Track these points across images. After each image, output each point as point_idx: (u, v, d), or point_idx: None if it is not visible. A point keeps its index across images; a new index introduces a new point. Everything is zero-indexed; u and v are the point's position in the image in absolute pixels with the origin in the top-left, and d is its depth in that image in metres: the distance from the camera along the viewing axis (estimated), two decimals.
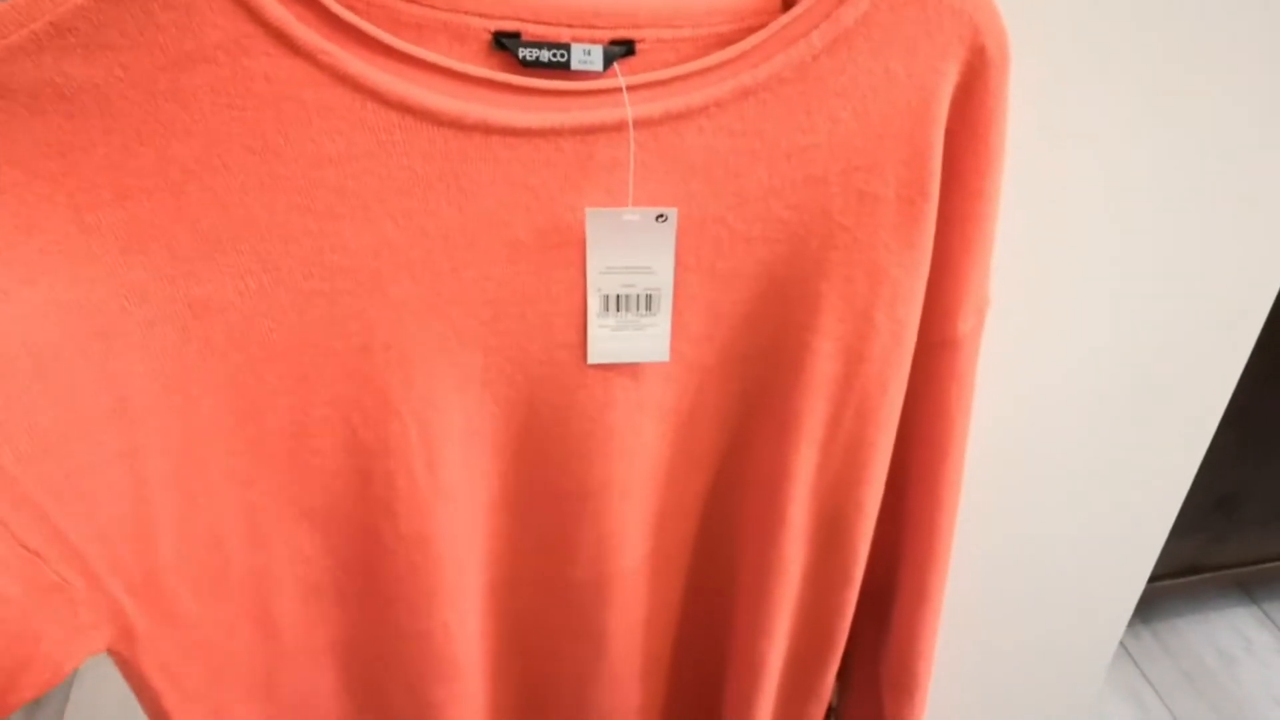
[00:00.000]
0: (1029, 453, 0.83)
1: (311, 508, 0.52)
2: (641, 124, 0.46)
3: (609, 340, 0.50)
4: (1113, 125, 0.68)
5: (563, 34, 0.44)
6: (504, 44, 0.43)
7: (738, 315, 0.55)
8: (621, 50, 0.45)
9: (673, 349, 0.55)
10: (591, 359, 0.51)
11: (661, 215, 0.47)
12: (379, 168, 0.43)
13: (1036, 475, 0.85)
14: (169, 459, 0.46)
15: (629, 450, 0.57)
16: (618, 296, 0.49)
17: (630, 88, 0.45)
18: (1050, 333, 0.76)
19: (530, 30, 0.44)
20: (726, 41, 0.47)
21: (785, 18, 0.47)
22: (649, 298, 0.49)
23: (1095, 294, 0.75)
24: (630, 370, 0.54)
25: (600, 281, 0.49)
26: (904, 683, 0.72)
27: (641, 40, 0.46)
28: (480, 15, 0.43)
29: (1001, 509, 0.86)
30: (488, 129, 0.43)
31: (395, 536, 0.53)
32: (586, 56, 0.45)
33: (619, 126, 0.46)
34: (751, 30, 0.48)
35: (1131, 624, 1.56)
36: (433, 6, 0.42)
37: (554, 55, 0.44)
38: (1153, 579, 1.36)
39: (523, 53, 0.44)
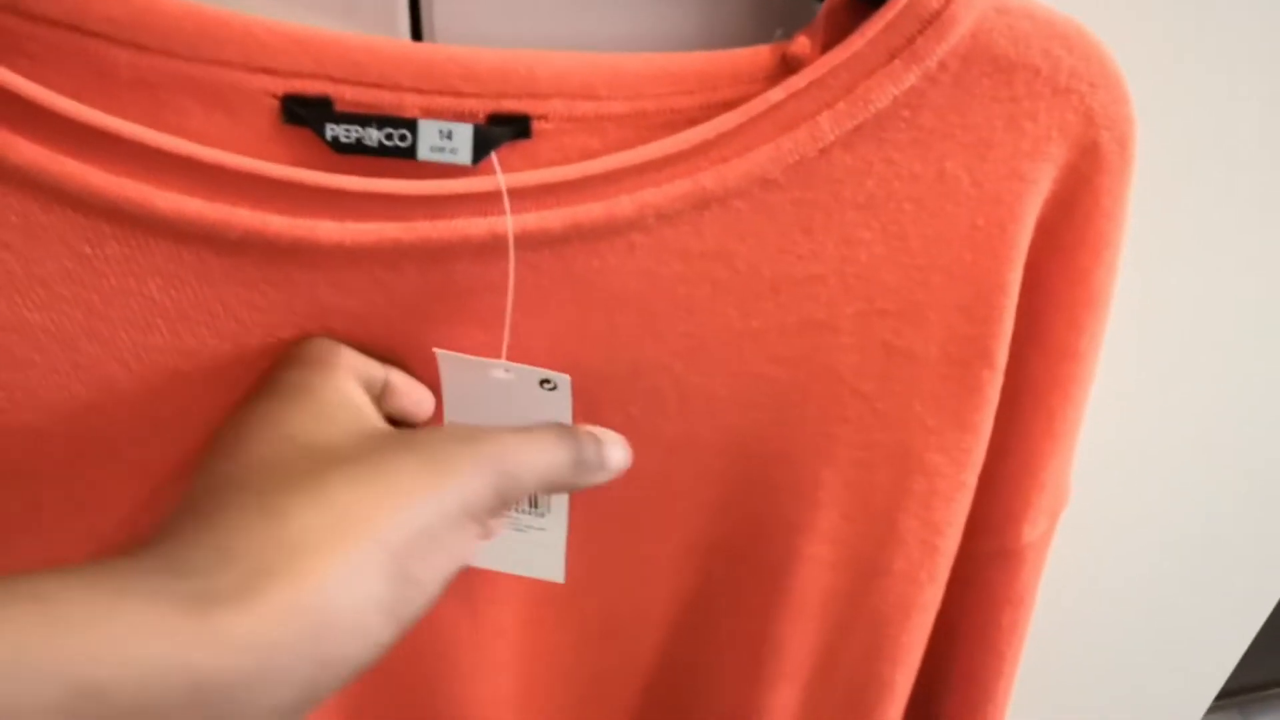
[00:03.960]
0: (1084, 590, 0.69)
1: None
2: (533, 240, 0.30)
3: None
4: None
5: (405, 103, 0.27)
6: (299, 115, 0.27)
7: (696, 499, 0.38)
8: (508, 132, 0.29)
9: (599, 532, 0.38)
10: None
11: (548, 382, 0.30)
12: (87, 295, 0.27)
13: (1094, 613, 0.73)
14: None
15: (527, 659, 0.40)
16: None
17: (515, 190, 0.28)
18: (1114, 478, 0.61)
19: (347, 96, 0.27)
20: (684, 121, 0.30)
21: (777, 91, 0.30)
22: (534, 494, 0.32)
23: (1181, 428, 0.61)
24: None
25: None
26: None
27: (543, 117, 0.29)
28: (263, 70, 0.26)
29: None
30: (269, 244, 0.27)
31: None
32: (445, 141, 0.28)
33: (491, 244, 0.29)
34: (725, 106, 0.30)
35: None
36: (172, 54, 0.25)
37: (388, 137, 0.27)
38: None
39: (333, 131, 0.27)
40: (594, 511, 0.37)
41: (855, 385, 0.36)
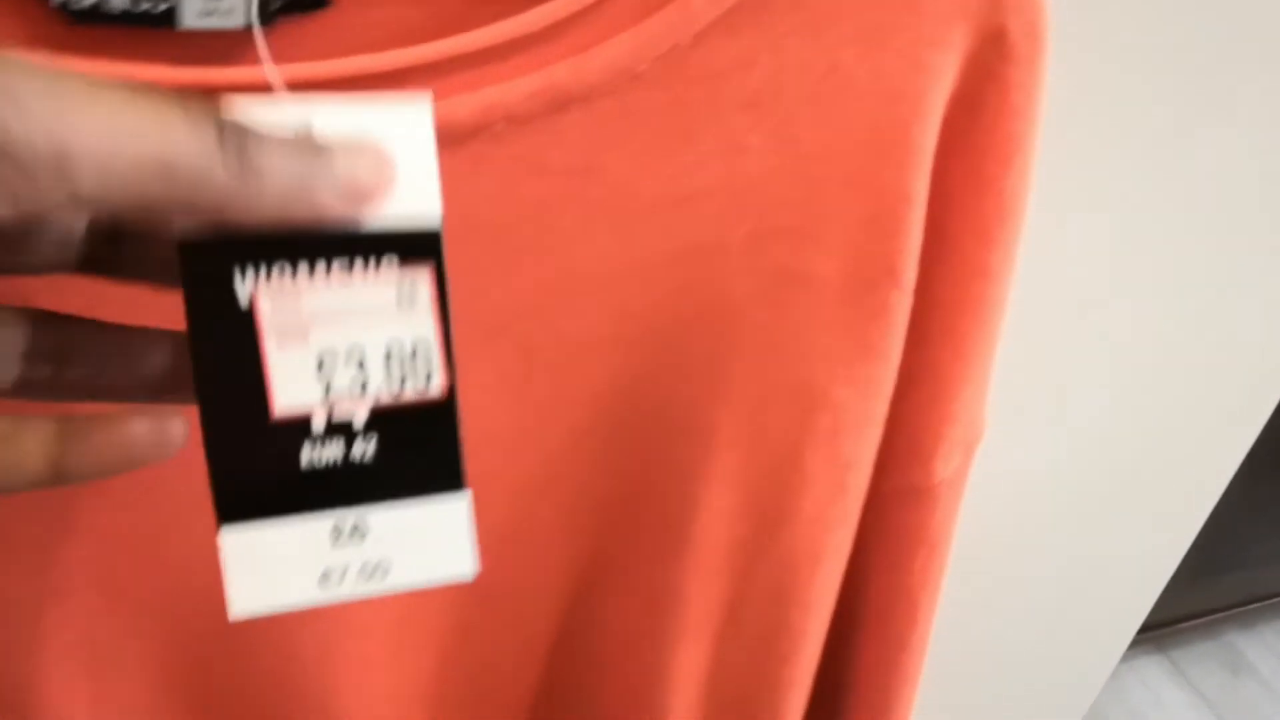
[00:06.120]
0: (1005, 533, 0.69)
1: None
2: None
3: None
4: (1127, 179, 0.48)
5: None
6: None
7: (581, 453, 0.34)
8: None
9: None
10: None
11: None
12: None
13: (1013, 554, 0.72)
14: None
15: (401, 655, 0.36)
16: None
17: (316, 81, 0.23)
18: (1036, 407, 0.60)
19: None
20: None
21: None
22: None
23: (1093, 370, 0.60)
24: None
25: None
26: None
27: None
28: None
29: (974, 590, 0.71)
30: None
31: None
32: (214, 4, 0.22)
33: None
34: None
35: None
36: None
37: (134, 2, 0.22)
38: None
39: None
40: None
41: (750, 315, 0.32)
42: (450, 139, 0.25)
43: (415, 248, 0.20)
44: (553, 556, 0.36)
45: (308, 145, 0.18)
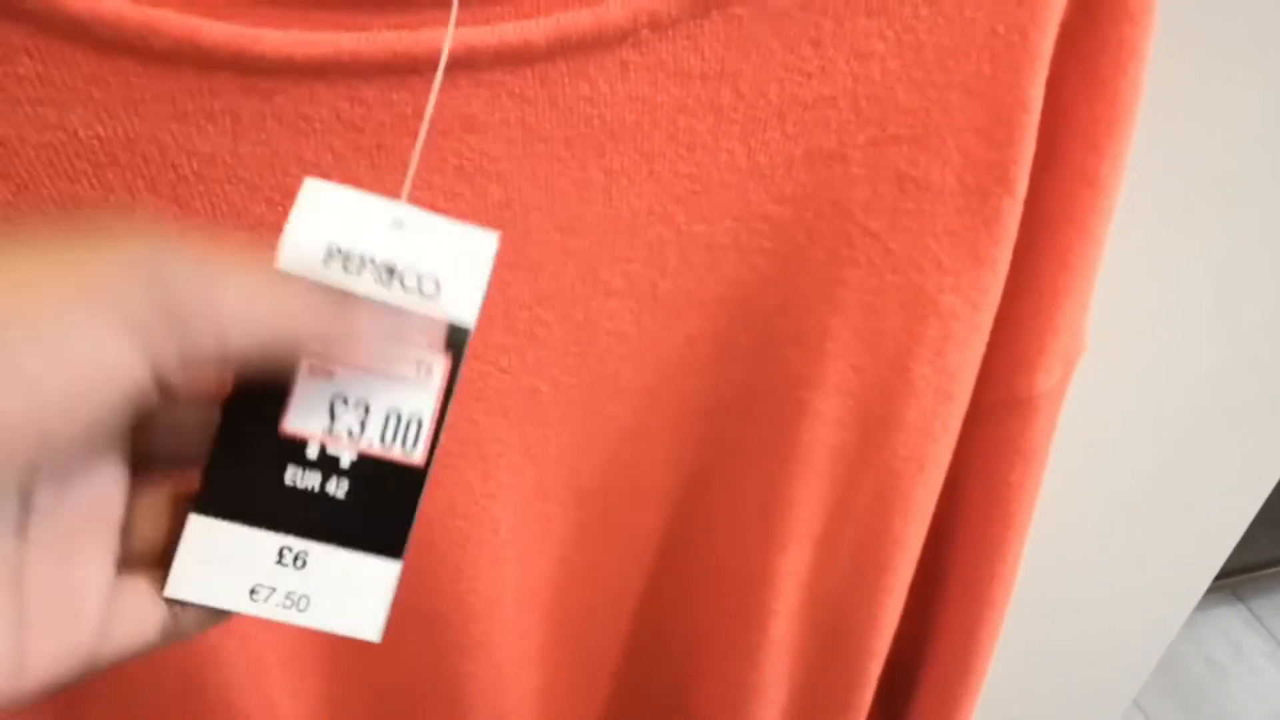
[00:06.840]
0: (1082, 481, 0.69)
1: None
2: (515, 57, 0.26)
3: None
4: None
5: None
6: None
7: (694, 359, 0.35)
8: None
9: (595, 405, 0.35)
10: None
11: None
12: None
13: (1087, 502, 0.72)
14: None
15: (525, 552, 0.38)
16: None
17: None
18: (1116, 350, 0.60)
19: None
20: None
21: None
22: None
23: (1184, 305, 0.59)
24: (520, 441, 0.35)
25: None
26: None
27: None
28: None
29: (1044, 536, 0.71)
30: (204, 58, 0.23)
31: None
32: None
33: (466, 62, 0.25)
34: None
35: None
36: None
37: None
38: None
39: None
40: (580, 381, 0.34)
41: (865, 223, 0.33)
42: (600, 45, 0.27)
43: (447, 338, 0.23)
44: (664, 460, 0.38)
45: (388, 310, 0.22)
